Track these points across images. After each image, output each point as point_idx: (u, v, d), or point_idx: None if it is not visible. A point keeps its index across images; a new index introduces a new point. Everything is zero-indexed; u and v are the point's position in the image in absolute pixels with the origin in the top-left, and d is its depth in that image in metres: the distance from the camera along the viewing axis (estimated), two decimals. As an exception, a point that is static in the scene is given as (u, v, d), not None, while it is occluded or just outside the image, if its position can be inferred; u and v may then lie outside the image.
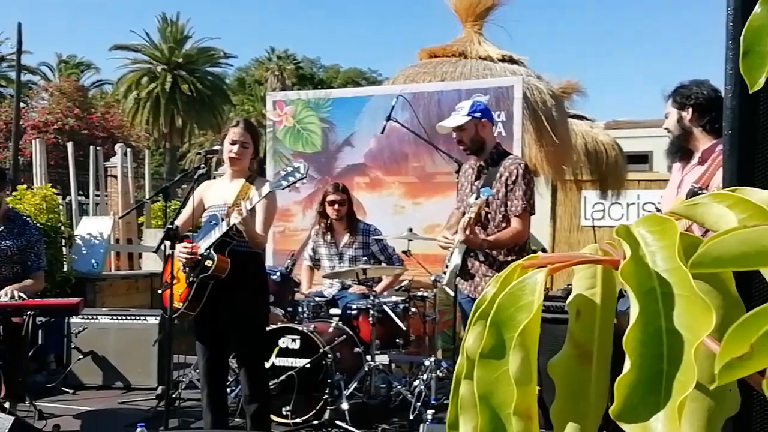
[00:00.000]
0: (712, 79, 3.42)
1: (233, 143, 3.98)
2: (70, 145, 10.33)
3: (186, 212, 4.16)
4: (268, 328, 4.73)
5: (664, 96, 3.44)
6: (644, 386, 0.44)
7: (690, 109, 3.30)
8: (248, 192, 3.92)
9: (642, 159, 11.08)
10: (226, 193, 4.01)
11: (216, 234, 3.86)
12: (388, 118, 5.04)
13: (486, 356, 0.51)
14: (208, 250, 3.87)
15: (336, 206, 5.36)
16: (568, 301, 0.54)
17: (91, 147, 10.41)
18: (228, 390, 4.48)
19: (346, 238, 5.43)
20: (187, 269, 3.95)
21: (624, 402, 0.45)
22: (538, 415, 0.50)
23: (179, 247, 3.92)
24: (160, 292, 4.23)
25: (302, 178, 3.80)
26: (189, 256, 3.89)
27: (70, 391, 5.76)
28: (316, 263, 5.62)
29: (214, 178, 4.22)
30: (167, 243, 3.89)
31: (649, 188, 9.50)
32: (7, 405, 4.44)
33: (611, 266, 0.52)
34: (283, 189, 3.90)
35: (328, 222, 5.45)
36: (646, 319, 0.46)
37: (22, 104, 15.20)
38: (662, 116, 3.52)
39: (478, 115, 4.04)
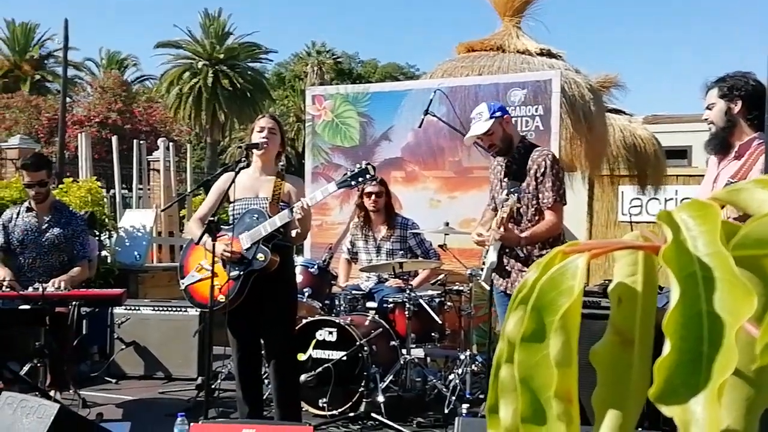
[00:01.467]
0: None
1: (261, 129, 4.04)
2: (114, 139, 10.52)
3: (207, 203, 4.21)
4: (306, 320, 4.78)
5: (707, 86, 3.28)
6: (684, 368, 0.44)
7: (739, 101, 3.15)
8: (282, 188, 3.98)
9: (681, 154, 10.89)
10: (258, 187, 4.04)
11: (266, 229, 3.88)
12: (426, 112, 5.04)
13: (527, 340, 0.51)
14: (257, 245, 3.90)
15: (373, 197, 5.39)
16: (609, 288, 0.53)
17: (135, 141, 10.59)
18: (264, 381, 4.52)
19: (383, 232, 5.45)
20: (228, 264, 3.97)
21: (664, 384, 0.45)
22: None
23: (219, 245, 3.94)
24: (184, 285, 4.23)
25: (371, 179, 3.91)
26: (230, 254, 3.91)
27: (113, 380, 5.87)
28: (354, 256, 5.65)
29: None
30: (208, 236, 3.93)
31: (687, 184, 9.36)
32: (52, 393, 4.55)
33: (652, 252, 0.52)
34: (351, 188, 3.97)
35: (366, 214, 5.48)
36: (687, 303, 0.45)
37: (67, 99, 15.50)
38: (702, 111, 3.39)
39: (498, 114, 4.02)
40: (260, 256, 3.88)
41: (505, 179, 4.07)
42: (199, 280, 4.09)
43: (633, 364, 0.50)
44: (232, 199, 4.06)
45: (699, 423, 0.43)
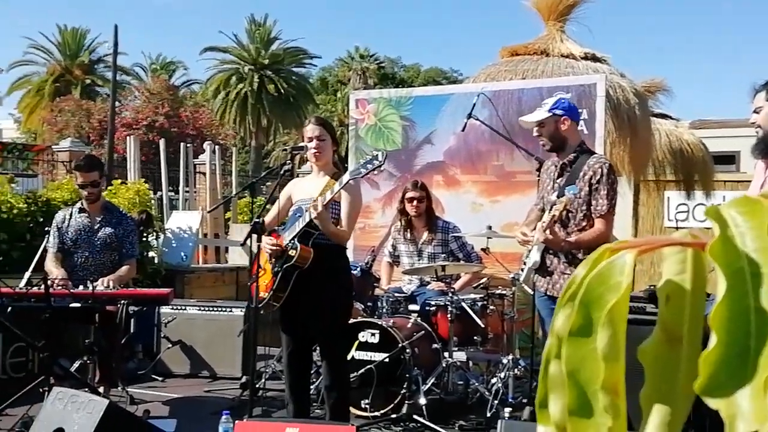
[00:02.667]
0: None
1: (310, 140, 4.09)
2: (162, 143, 10.71)
3: (273, 209, 4.29)
4: (349, 322, 4.82)
5: (755, 89, 3.24)
6: (731, 362, 0.45)
7: None
8: (332, 188, 4.00)
9: (729, 159, 10.68)
10: (312, 189, 4.10)
11: (299, 225, 3.96)
12: (469, 116, 5.05)
13: (575, 334, 0.52)
14: (292, 240, 3.98)
15: (415, 203, 5.41)
16: (657, 286, 0.54)
17: (182, 144, 10.77)
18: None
19: (425, 236, 5.47)
20: (273, 260, 4.07)
21: (710, 377, 0.45)
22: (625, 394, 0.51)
23: (265, 239, 4.05)
24: (249, 284, 4.37)
25: (380, 165, 3.83)
26: (274, 248, 4.02)
27: (160, 378, 5.97)
28: (395, 260, 5.68)
29: (298, 175, 4.33)
30: (254, 237, 4.02)
31: (735, 189, 9.17)
32: (101, 390, 4.65)
33: (700, 249, 0.52)
34: (362, 177, 3.94)
35: (408, 219, 5.50)
36: (734, 298, 0.46)
37: (116, 103, 15.83)
38: (750, 116, 3.34)
39: (559, 112, 4.00)
40: (291, 252, 3.94)
41: (558, 180, 4.05)
42: (254, 281, 4.18)
43: (681, 362, 0.51)
44: (293, 202, 4.18)
45: (745, 416, 0.44)
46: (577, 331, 0.52)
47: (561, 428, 0.53)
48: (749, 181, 3.66)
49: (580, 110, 5.52)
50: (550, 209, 3.89)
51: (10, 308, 4.61)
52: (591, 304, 0.52)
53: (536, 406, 0.55)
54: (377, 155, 3.83)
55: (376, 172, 3.99)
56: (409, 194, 5.42)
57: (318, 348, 4.35)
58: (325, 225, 3.88)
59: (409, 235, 5.53)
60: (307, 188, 4.14)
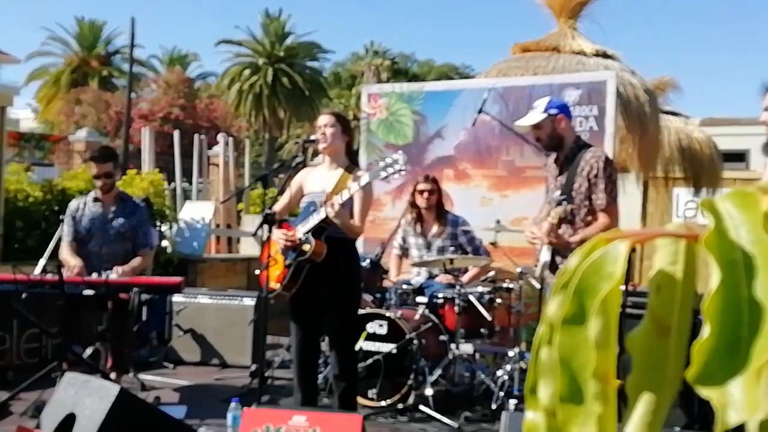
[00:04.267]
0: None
1: (319, 128, 4.14)
2: (176, 134, 10.79)
3: (284, 198, 4.34)
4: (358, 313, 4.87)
5: (765, 87, 3.23)
6: (723, 352, 0.45)
7: None
8: (346, 182, 4.02)
9: (739, 157, 10.64)
10: (325, 181, 4.13)
11: (314, 220, 4.00)
12: (480, 111, 5.08)
13: (568, 322, 0.52)
14: (306, 235, 4.02)
15: (425, 195, 5.45)
16: (649, 275, 0.55)
17: (196, 136, 10.84)
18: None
19: (435, 229, 5.51)
20: (285, 252, 4.13)
21: (702, 367, 0.46)
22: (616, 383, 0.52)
23: (278, 232, 4.09)
24: (257, 272, 4.42)
25: (400, 170, 3.86)
26: (287, 241, 4.07)
27: (171, 365, 6.04)
28: (405, 252, 5.73)
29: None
30: (265, 227, 4.06)
31: (745, 187, 9.11)
32: (112, 376, 4.72)
33: (693, 241, 0.52)
34: (382, 179, 3.99)
35: (418, 212, 5.55)
36: (727, 288, 0.46)
37: (132, 95, 15.93)
38: (761, 114, 3.34)
39: (554, 111, 4.02)
40: (306, 246, 3.99)
41: (559, 177, 4.08)
42: (264, 269, 4.23)
43: (669, 352, 0.51)
44: (305, 193, 4.21)
45: (737, 405, 0.44)
46: (570, 319, 0.52)
47: (550, 413, 0.54)
48: (759, 179, 3.67)
49: (590, 107, 5.55)
50: (549, 216, 3.92)
51: (24, 295, 4.68)
52: (584, 292, 0.52)
53: (526, 392, 0.56)
54: (398, 159, 3.84)
55: (396, 176, 4.02)
56: (420, 186, 5.47)
57: (327, 338, 4.40)
58: (343, 222, 3.93)
59: (419, 227, 5.57)
60: (320, 180, 4.17)
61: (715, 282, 0.47)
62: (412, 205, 5.57)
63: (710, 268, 0.48)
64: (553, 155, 4.17)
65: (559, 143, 4.06)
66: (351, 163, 4.24)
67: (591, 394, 0.51)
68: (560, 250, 3.97)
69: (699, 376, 0.46)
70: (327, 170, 4.19)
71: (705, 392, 0.45)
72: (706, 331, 0.46)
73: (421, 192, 5.46)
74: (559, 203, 3.85)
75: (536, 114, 4.05)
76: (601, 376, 0.51)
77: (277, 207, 4.23)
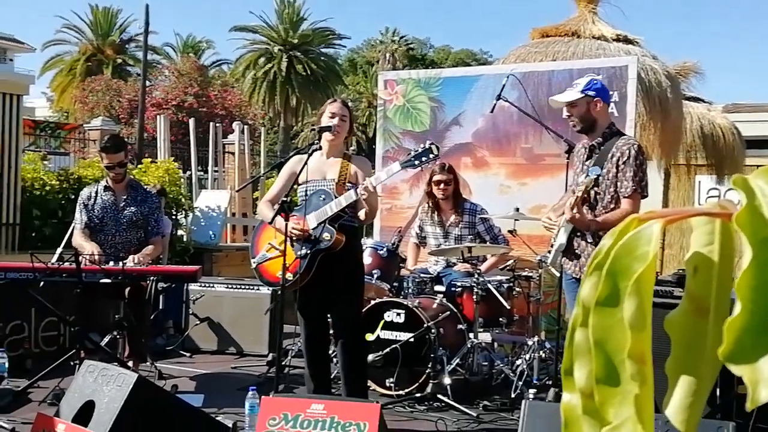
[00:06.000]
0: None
1: (333, 116, 4.10)
2: (191, 122, 10.79)
3: (275, 186, 4.30)
4: (374, 302, 4.85)
5: None
6: (755, 330, 0.45)
7: None
8: (348, 169, 4.04)
9: (762, 144, 10.49)
10: (325, 170, 4.11)
11: (332, 209, 3.96)
12: (498, 97, 5.00)
13: (602, 304, 0.52)
14: (323, 224, 3.98)
15: (442, 185, 5.39)
16: (686, 258, 0.53)
17: (211, 124, 10.84)
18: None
19: (452, 218, 5.46)
20: (296, 243, 4.07)
21: (734, 344, 0.46)
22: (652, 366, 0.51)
23: (288, 223, 4.04)
24: (254, 264, 4.36)
25: (435, 159, 3.89)
26: (300, 233, 4.01)
27: (187, 354, 6.05)
28: (422, 241, 5.68)
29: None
30: (281, 217, 4.02)
31: (768, 174, 8.99)
32: (130, 364, 4.73)
33: (727, 219, 0.52)
34: (416, 169, 3.97)
35: (435, 201, 5.50)
36: (760, 266, 0.46)
37: (146, 82, 15.96)
38: None
39: (591, 93, 3.94)
40: (326, 236, 3.95)
41: (587, 162, 4.01)
42: (269, 260, 4.19)
43: (708, 333, 0.51)
44: (301, 182, 4.13)
45: None
46: (604, 300, 0.52)
47: (586, 395, 0.53)
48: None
49: (611, 92, 5.46)
50: (576, 188, 3.86)
51: (42, 283, 4.69)
52: (618, 273, 0.52)
53: (562, 374, 0.56)
54: (431, 148, 3.87)
55: (429, 165, 4.01)
56: (437, 177, 5.41)
57: (334, 327, 4.33)
58: (373, 205, 3.98)
59: (436, 216, 5.52)
60: (319, 169, 4.13)
61: (747, 260, 0.46)
62: (429, 194, 5.52)
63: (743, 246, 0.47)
64: (585, 139, 4.09)
65: (591, 126, 3.98)
66: (358, 152, 4.24)
67: (627, 375, 0.51)
68: (579, 231, 3.90)
69: (730, 353, 0.45)
70: (325, 159, 4.15)
71: (736, 370, 0.45)
72: (737, 308, 0.46)
73: (438, 183, 5.41)
74: (588, 175, 3.78)
75: (574, 92, 3.97)
76: (636, 357, 0.51)
77: (269, 195, 4.21)
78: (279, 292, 4.24)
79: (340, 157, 4.12)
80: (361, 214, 4.03)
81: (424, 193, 5.67)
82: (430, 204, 5.54)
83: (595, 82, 4.05)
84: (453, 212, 5.46)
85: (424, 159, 3.84)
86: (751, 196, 0.49)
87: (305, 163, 4.02)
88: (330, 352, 4.51)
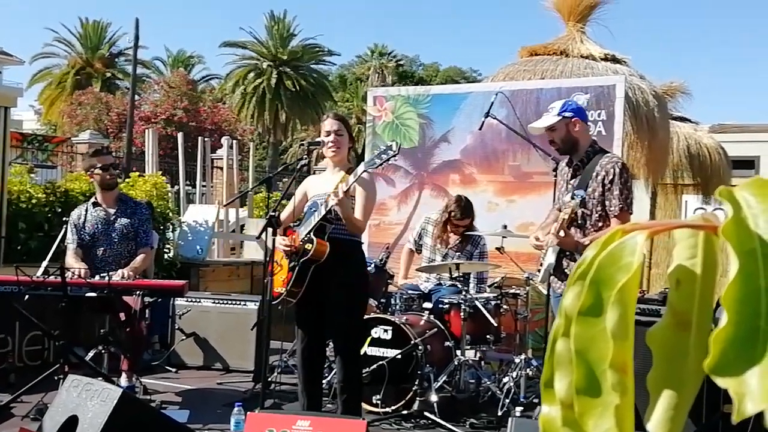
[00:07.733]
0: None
1: (328, 134, 4.11)
2: (180, 136, 10.77)
3: (289, 206, 4.32)
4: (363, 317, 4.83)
5: None
6: (741, 342, 0.45)
7: None
8: (345, 181, 4.03)
9: (748, 164, 10.61)
10: (328, 185, 4.12)
11: (315, 219, 3.97)
12: (487, 114, 5.03)
13: (584, 313, 0.52)
14: (308, 235, 3.99)
15: (460, 229, 5.41)
16: (668, 271, 0.54)
17: (200, 139, 10.82)
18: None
19: (456, 242, 5.47)
20: (289, 256, 4.09)
21: (720, 356, 0.45)
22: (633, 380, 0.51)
23: (278, 238, 4.07)
24: (266, 281, 4.37)
25: (394, 155, 3.83)
26: (287, 247, 4.02)
27: (173, 369, 5.99)
28: (418, 248, 5.66)
29: (315, 172, 4.35)
30: (269, 231, 4.03)
31: (754, 194, 9.07)
32: (123, 379, 4.71)
33: (711, 232, 0.52)
34: (377, 167, 3.93)
35: (447, 230, 5.49)
36: (745, 278, 0.46)
37: (135, 96, 15.93)
38: None
39: (569, 114, 3.97)
40: (308, 246, 3.95)
41: (572, 181, 4.04)
42: (271, 273, 4.20)
43: (689, 346, 0.51)
44: (309, 198, 4.18)
45: (754, 395, 0.44)
46: (587, 310, 0.52)
47: (566, 405, 0.53)
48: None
49: (598, 111, 5.51)
50: (563, 211, 3.88)
51: (27, 297, 4.65)
52: (601, 283, 0.52)
53: (541, 386, 0.55)
54: (391, 145, 3.85)
55: (390, 162, 3.99)
56: (456, 222, 5.39)
57: (332, 343, 4.36)
58: (345, 212, 3.89)
59: (443, 234, 5.51)
60: (323, 184, 4.15)
61: (733, 271, 0.46)
62: (444, 224, 5.48)
63: (729, 258, 0.47)
64: (566, 159, 4.13)
65: (573, 147, 4.01)
66: (353, 164, 4.23)
67: (608, 385, 0.50)
68: (568, 251, 3.92)
69: (716, 366, 0.45)
70: (330, 175, 4.17)
71: (722, 382, 0.45)
72: (723, 320, 0.46)
73: (456, 227, 5.41)
74: (573, 197, 3.80)
75: (550, 116, 4.01)
76: (618, 367, 0.50)
77: (283, 215, 4.22)
78: (266, 308, 4.21)
79: (344, 171, 4.13)
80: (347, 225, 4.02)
81: (440, 216, 5.54)
82: (441, 227, 5.50)
83: (570, 103, 4.11)
84: (459, 241, 5.47)
85: (384, 157, 3.82)
86: (737, 208, 0.49)
87: (292, 181, 4.03)
88: (325, 366, 4.51)
